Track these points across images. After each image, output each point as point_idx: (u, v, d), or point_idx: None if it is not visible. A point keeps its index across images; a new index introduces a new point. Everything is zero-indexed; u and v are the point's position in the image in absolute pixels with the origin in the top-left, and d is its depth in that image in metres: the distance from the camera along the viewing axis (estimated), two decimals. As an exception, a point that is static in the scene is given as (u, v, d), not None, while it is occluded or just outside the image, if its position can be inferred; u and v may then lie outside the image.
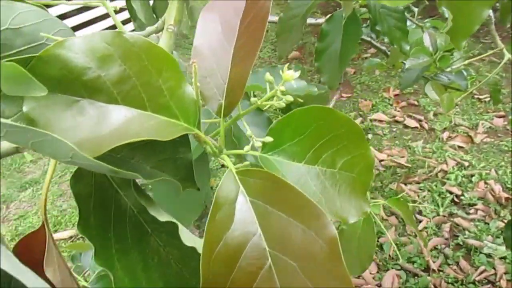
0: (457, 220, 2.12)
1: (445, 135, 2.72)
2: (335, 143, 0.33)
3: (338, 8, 0.93)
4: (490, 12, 0.95)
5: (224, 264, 0.27)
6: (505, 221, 2.06)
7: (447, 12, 0.55)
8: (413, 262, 1.93)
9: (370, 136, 2.80)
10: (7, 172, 2.77)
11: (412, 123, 2.86)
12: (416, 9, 1.28)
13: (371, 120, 2.94)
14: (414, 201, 2.26)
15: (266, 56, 3.97)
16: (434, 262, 1.91)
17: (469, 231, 2.04)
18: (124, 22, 2.85)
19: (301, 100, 0.89)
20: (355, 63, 3.65)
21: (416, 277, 1.88)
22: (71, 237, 2.28)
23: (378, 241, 2.01)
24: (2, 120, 0.24)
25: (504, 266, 1.85)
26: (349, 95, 3.28)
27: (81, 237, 1.87)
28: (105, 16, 3.81)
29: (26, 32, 0.33)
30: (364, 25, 1.06)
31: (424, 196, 2.28)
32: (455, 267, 1.90)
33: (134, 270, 0.33)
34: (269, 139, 0.34)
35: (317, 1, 0.90)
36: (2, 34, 0.32)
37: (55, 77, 0.28)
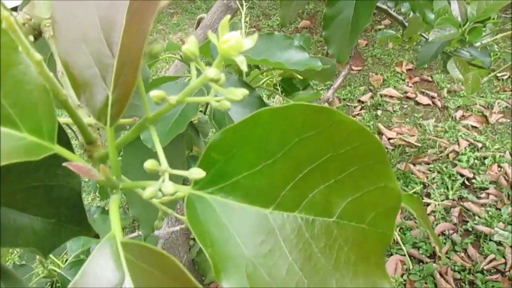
0: (467, 204, 2.01)
1: (459, 114, 2.58)
2: (334, 171, 0.20)
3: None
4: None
5: None
6: (518, 207, 1.95)
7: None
8: (419, 248, 1.84)
9: (379, 112, 2.67)
10: None
11: (424, 100, 2.72)
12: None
13: (381, 96, 2.80)
14: (423, 183, 2.15)
15: (275, 25, 3.78)
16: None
17: (479, 217, 1.94)
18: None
19: (300, 77, 0.77)
20: (367, 34, 3.47)
21: (421, 263, 1.79)
22: None
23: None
24: None
25: (514, 255, 1.76)
26: (359, 68, 3.13)
27: None
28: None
29: None
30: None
31: (434, 178, 2.17)
32: (462, 254, 1.81)
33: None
34: (199, 174, 0.20)
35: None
36: None
37: None
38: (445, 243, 1.85)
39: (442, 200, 2.05)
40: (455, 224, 1.93)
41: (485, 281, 1.69)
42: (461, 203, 2.03)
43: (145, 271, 0.17)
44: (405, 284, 1.74)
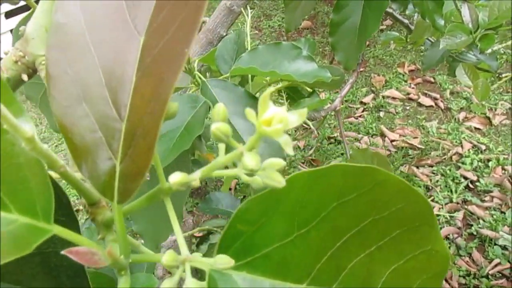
0: (471, 208, 1.99)
1: (462, 115, 2.55)
2: (375, 236, 0.17)
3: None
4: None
5: None
6: (523, 211, 1.93)
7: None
8: (423, 252, 1.82)
9: (382, 114, 2.65)
10: None
11: (427, 101, 2.69)
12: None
13: (383, 97, 2.78)
14: (426, 186, 2.13)
15: (277, 25, 3.75)
16: (445, 252, 1.80)
17: (484, 220, 1.92)
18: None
19: (309, 89, 0.75)
20: (369, 35, 3.45)
21: (425, 268, 1.77)
22: None
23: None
24: None
25: (520, 260, 1.74)
26: (361, 69, 3.11)
27: None
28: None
29: None
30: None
31: (437, 181, 2.15)
32: (467, 259, 1.79)
33: None
34: (226, 263, 0.16)
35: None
36: None
37: None
38: (449, 248, 1.83)
39: (446, 203, 2.03)
40: (459, 228, 1.91)
41: (490, 286, 1.67)
42: (465, 206, 2.01)
43: None
44: (409, 289, 1.72)
